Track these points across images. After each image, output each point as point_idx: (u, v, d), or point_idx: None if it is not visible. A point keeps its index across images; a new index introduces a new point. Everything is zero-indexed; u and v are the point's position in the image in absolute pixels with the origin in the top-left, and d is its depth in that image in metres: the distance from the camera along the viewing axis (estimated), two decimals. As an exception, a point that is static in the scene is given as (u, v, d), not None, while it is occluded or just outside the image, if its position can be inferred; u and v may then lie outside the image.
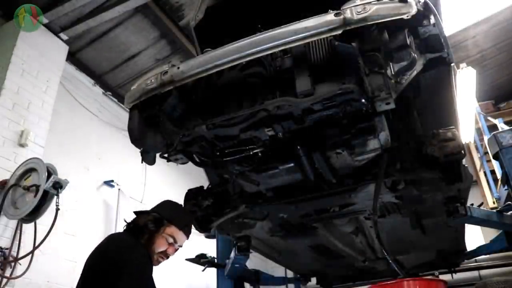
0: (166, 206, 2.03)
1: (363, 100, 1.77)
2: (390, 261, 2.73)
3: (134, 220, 1.97)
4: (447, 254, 3.82)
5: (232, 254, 3.42)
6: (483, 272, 5.15)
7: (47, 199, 3.58)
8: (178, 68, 1.93)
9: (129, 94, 2.11)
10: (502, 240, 3.27)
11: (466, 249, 3.74)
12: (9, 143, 3.90)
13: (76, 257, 4.41)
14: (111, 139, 5.74)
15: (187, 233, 1.96)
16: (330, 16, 1.65)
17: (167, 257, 1.92)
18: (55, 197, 3.52)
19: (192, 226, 2.29)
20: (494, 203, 5.32)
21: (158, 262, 1.91)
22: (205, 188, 2.71)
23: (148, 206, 2.21)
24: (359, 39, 1.69)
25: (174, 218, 1.93)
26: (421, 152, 2.12)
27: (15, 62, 4.15)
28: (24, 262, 3.59)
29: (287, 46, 1.75)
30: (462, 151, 2.05)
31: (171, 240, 1.89)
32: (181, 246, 1.96)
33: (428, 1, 1.80)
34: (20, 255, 3.61)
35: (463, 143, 2.10)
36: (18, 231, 3.69)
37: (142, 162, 2.26)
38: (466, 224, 3.12)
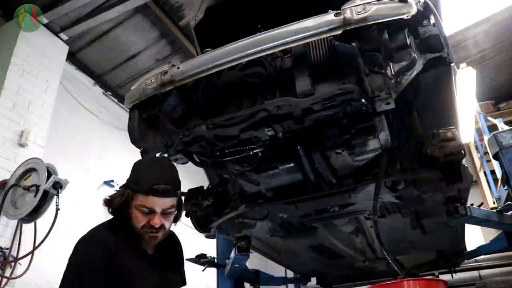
0: (131, 172, 1.69)
1: (363, 100, 1.77)
2: (390, 261, 2.73)
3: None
4: (447, 254, 3.81)
5: (232, 254, 3.42)
6: (483, 272, 5.15)
7: (47, 199, 3.59)
8: (178, 68, 1.93)
9: (129, 94, 2.10)
10: (502, 240, 3.27)
11: (466, 249, 3.74)
12: (9, 143, 3.91)
13: (76, 257, 4.41)
14: (111, 139, 5.75)
15: (156, 194, 1.57)
16: (330, 16, 1.65)
17: (158, 229, 1.60)
18: (55, 197, 3.52)
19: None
20: (494, 203, 5.32)
21: (153, 238, 1.63)
22: (205, 188, 2.71)
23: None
24: (359, 39, 1.69)
25: (134, 184, 1.61)
26: (421, 152, 2.12)
27: (15, 62, 4.16)
28: (24, 262, 3.59)
29: (287, 46, 1.75)
30: (462, 151, 2.05)
31: (145, 210, 1.58)
32: (166, 210, 1.61)
33: (428, 1, 1.80)
34: (20, 255, 3.62)
35: (463, 143, 2.10)
36: (18, 231, 3.70)
37: (142, 162, 2.25)
38: (466, 224, 3.12)
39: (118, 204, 1.62)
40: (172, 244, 1.87)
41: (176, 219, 1.74)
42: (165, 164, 1.76)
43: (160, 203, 1.59)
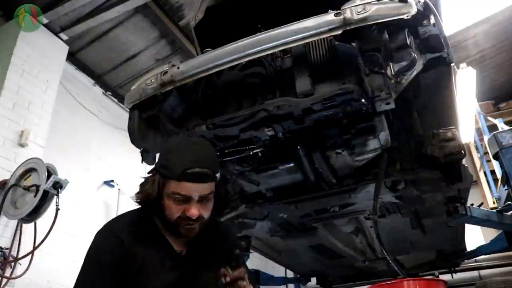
0: (160, 154, 1.46)
1: (363, 100, 1.77)
2: (390, 261, 2.73)
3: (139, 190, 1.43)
4: (447, 254, 3.82)
5: (232, 254, 3.42)
6: (483, 272, 5.16)
7: (47, 199, 3.58)
8: (178, 68, 1.93)
9: (129, 94, 2.11)
10: (502, 240, 3.27)
11: (466, 249, 3.74)
12: (9, 143, 3.90)
13: (76, 257, 4.40)
14: (111, 139, 5.74)
15: (191, 179, 1.29)
16: (330, 16, 1.66)
17: (195, 220, 1.33)
18: (55, 197, 3.52)
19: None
20: (494, 203, 5.32)
21: (189, 231, 1.36)
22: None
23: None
24: (359, 39, 1.69)
25: (164, 169, 1.34)
26: (421, 152, 2.12)
27: (15, 62, 4.15)
28: (24, 262, 3.59)
29: (287, 46, 1.76)
30: (462, 151, 2.05)
31: (179, 198, 1.31)
32: (203, 197, 1.33)
33: (428, 1, 1.80)
34: (20, 255, 3.61)
35: (463, 143, 2.10)
36: (18, 231, 3.69)
37: (142, 162, 2.26)
38: (466, 224, 3.12)
39: (150, 192, 1.37)
40: (222, 241, 1.53)
41: (216, 208, 1.44)
42: (199, 144, 1.43)
43: (197, 189, 1.31)
